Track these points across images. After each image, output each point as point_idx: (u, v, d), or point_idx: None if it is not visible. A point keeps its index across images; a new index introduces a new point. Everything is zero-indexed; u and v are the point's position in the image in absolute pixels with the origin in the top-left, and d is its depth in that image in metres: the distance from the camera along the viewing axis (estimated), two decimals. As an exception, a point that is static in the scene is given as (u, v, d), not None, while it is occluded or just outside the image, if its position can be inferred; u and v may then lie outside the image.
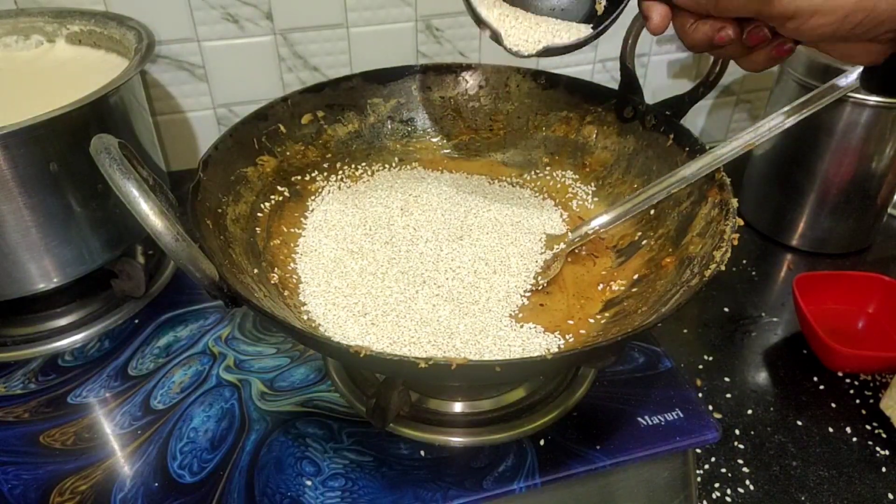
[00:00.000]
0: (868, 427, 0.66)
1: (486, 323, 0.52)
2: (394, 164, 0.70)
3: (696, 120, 1.08)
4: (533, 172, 0.70)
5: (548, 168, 0.70)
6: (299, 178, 0.65)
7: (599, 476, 0.55)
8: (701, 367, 0.72)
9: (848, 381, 0.70)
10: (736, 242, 0.48)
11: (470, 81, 0.72)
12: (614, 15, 0.49)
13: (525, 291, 0.56)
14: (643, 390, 0.59)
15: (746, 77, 1.05)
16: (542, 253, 0.59)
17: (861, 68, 0.45)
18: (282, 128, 0.65)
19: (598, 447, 0.54)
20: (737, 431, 0.65)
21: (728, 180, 0.53)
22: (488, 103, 0.72)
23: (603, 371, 0.61)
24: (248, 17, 0.81)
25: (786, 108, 0.55)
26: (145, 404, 0.58)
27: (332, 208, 0.64)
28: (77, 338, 0.65)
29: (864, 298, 0.77)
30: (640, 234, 0.60)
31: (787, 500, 0.60)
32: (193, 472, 0.52)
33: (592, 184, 0.67)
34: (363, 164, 0.70)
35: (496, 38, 0.50)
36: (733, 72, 1.04)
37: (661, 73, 1.01)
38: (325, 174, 0.67)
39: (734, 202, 0.51)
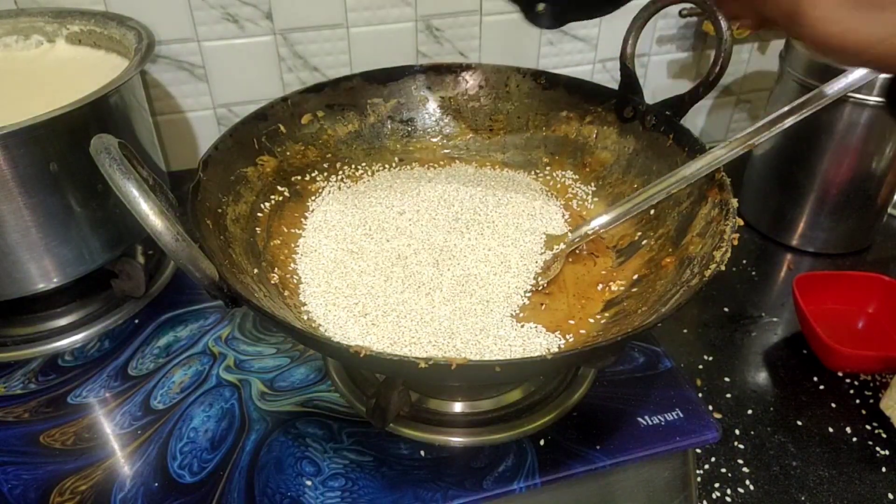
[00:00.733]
0: (868, 427, 0.66)
1: (486, 323, 0.52)
2: (394, 165, 0.70)
3: (696, 120, 1.08)
4: (533, 172, 0.70)
5: (548, 168, 0.70)
6: (299, 178, 0.65)
7: (599, 476, 0.55)
8: (701, 367, 0.72)
9: (848, 381, 0.70)
10: (736, 242, 0.48)
11: (470, 81, 0.72)
12: None
13: (525, 291, 0.56)
14: (643, 390, 0.59)
15: (746, 77, 1.05)
16: (541, 253, 0.59)
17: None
18: (282, 128, 0.65)
19: (598, 447, 0.54)
20: (737, 431, 0.65)
21: (728, 180, 0.53)
22: (488, 103, 0.72)
23: (603, 371, 0.61)
24: (248, 17, 0.81)
25: (785, 109, 0.55)
26: (145, 404, 0.58)
27: (332, 209, 0.64)
28: (77, 338, 0.65)
29: (864, 298, 0.77)
30: (640, 234, 0.60)
31: (787, 500, 0.60)
32: (193, 472, 0.52)
33: (592, 184, 0.67)
34: (363, 164, 0.70)
35: None
36: (733, 72, 1.04)
37: (661, 73, 1.01)
38: (325, 174, 0.67)
39: (734, 202, 0.51)
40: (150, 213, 0.40)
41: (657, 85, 1.02)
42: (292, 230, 0.61)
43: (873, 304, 0.76)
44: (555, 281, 0.58)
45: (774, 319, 0.78)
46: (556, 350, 0.50)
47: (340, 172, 0.68)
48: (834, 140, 0.80)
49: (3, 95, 0.65)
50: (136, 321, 0.67)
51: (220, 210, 0.55)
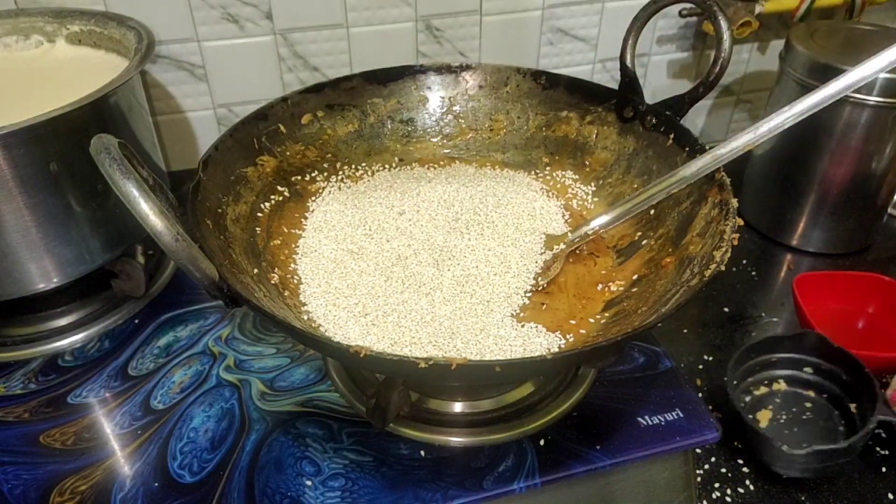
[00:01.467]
0: (868, 427, 0.66)
1: (487, 323, 0.52)
2: (394, 165, 0.70)
3: (696, 120, 1.08)
4: (533, 172, 0.70)
5: (548, 168, 0.70)
6: (299, 178, 0.65)
7: (599, 476, 0.55)
8: (701, 367, 0.72)
9: (848, 381, 0.70)
10: (736, 242, 0.48)
11: (470, 81, 0.72)
12: None
13: (526, 292, 0.56)
14: (643, 390, 0.59)
15: (746, 77, 1.05)
16: (541, 253, 0.59)
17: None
18: (282, 128, 0.65)
19: (598, 447, 0.54)
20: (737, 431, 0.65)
21: (728, 180, 0.53)
22: (488, 103, 0.72)
23: (603, 371, 0.61)
24: (248, 17, 0.81)
25: (785, 108, 0.55)
26: (145, 404, 0.58)
27: (332, 209, 0.64)
28: (77, 338, 0.65)
29: (864, 298, 0.77)
30: (640, 234, 0.60)
31: (787, 500, 0.60)
32: (193, 472, 0.52)
33: (592, 184, 0.67)
34: (363, 164, 0.70)
35: None
36: (733, 72, 1.04)
37: (661, 73, 1.01)
38: (325, 174, 0.67)
39: (734, 202, 0.51)
40: (150, 213, 0.40)
41: (657, 85, 1.02)
42: (292, 230, 0.61)
43: (873, 304, 0.76)
44: (555, 281, 0.58)
45: (774, 319, 0.78)
46: (556, 350, 0.50)
47: (340, 172, 0.68)
48: (834, 140, 0.80)
49: (3, 95, 0.65)
50: (136, 321, 0.67)
51: (220, 210, 0.55)
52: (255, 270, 0.54)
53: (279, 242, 0.59)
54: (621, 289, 0.56)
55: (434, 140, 0.72)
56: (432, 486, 0.51)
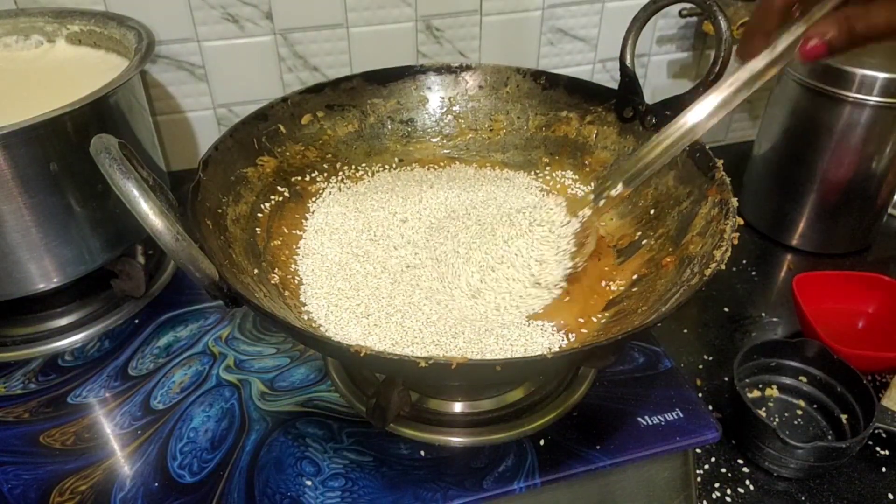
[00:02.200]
0: (868, 427, 0.66)
1: (492, 322, 0.52)
2: (394, 165, 0.70)
3: (696, 120, 1.08)
4: (533, 172, 0.70)
5: (548, 168, 0.70)
6: (299, 178, 0.65)
7: (599, 476, 0.55)
8: (701, 367, 0.72)
9: (848, 381, 0.70)
10: (736, 241, 0.48)
11: (470, 81, 0.72)
12: None
13: (555, 284, 0.55)
14: (643, 390, 0.59)
15: (746, 77, 1.05)
16: (564, 224, 0.56)
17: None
18: (282, 128, 0.65)
19: (598, 447, 0.54)
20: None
21: (728, 180, 0.53)
22: (488, 103, 0.72)
23: (603, 371, 0.61)
24: (248, 17, 0.81)
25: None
26: (145, 404, 0.58)
27: (333, 210, 0.64)
28: (77, 338, 0.65)
29: (864, 298, 0.76)
30: (639, 233, 0.60)
31: (787, 500, 0.60)
32: (193, 472, 0.52)
33: (592, 184, 0.67)
34: (363, 164, 0.70)
35: None
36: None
37: (661, 73, 1.01)
38: (325, 175, 0.67)
39: (734, 201, 0.51)
40: (150, 213, 0.40)
41: (657, 85, 1.02)
42: (293, 231, 0.61)
43: (873, 304, 0.76)
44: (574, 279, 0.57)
45: (774, 319, 0.78)
46: (557, 350, 0.50)
47: (340, 173, 0.68)
48: (834, 140, 0.80)
49: (3, 95, 0.65)
50: (136, 321, 0.67)
51: (220, 210, 0.55)
52: (256, 271, 0.54)
53: (279, 243, 0.59)
54: (621, 288, 0.56)
55: (434, 140, 0.72)
56: (432, 486, 0.51)
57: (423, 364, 0.39)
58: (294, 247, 0.60)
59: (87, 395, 0.59)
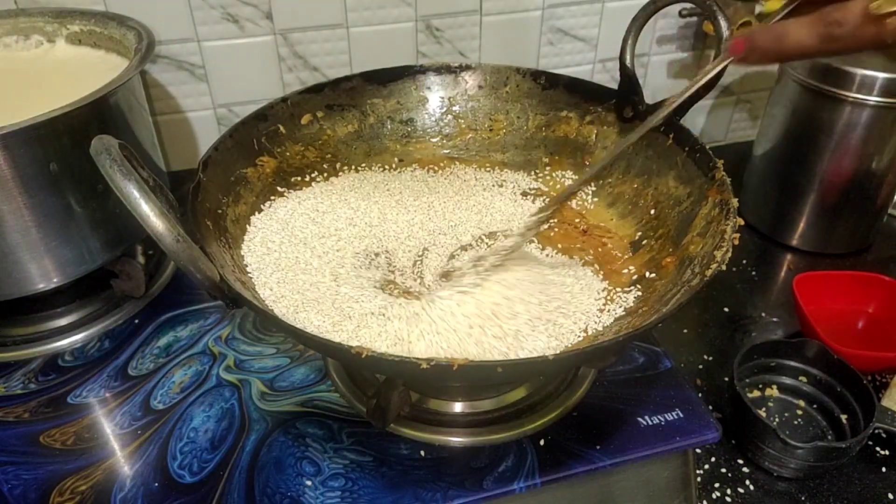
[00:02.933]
0: (868, 427, 0.66)
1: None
2: (393, 165, 0.70)
3: (696, 120, 1.08)
4: (533, 172, 0.70)
5: (548, 168, 0.70)
6: (299, 178, 0.65)
7: (599, 476, 0.55)
8: (701, 367, 0.72)
9: (848, 381, 0.70)
10: (737, 242, 0.48)
11: (470, 81, 0.72)
12: None
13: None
14: (643, 390, 0.59)
15: (746, 77, 1.05)
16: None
17: None
18: (281, 128, 0.65)
19: (598, 447, 0.54)
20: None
21: (728, 180, 0.53)
22: (488, 103, 0.72)
23: (603, 371, 0.61)
24: (248, 17, 0.81)
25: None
26: (145, 404, 0.58)
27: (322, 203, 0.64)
28: (77, 338, 0.65)
29: (864, 298, 0.77)
30: (640, 234, 0.60)
31: (787, 500, 0.60)
32: (193, 472, 0.52)
33: (592, 184, 0.67)
34: (363, 164, 0.69)
35: None
36: (733, 72, 1.04)
37: (661, 73, 1.01)
38: (325, 175, 0.67)
39: (734, 202, 0.51)
40: (151, 214, 0.40)
41: (657, 85, 1.02)
42: (292, 230, 0.61)
43: (873, 304, 0.76)
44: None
45: (774, 319, 0.79)
46: (557, 351, 0.50)
47: (340, 173, 0.68)
48: (834, 140, 0.80)
49: (3, 95, 0.65)
50: (136, 321, 0.67)
51: (220, 211, 0.55)
52: (256, 270, 0.54)
53: (279, 242, 0.59)
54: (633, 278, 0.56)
55: (434, 140, 0.72)
56: (432, 486, 0.51)
57: (424, 365, 0.39)
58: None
59: (87, 395, 0.59)
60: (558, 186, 0.68)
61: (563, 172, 0.69)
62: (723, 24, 0.56)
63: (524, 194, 0.67)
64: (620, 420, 0.56)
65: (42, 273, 0.60)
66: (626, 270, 0.57)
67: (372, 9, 0.84)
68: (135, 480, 0.52)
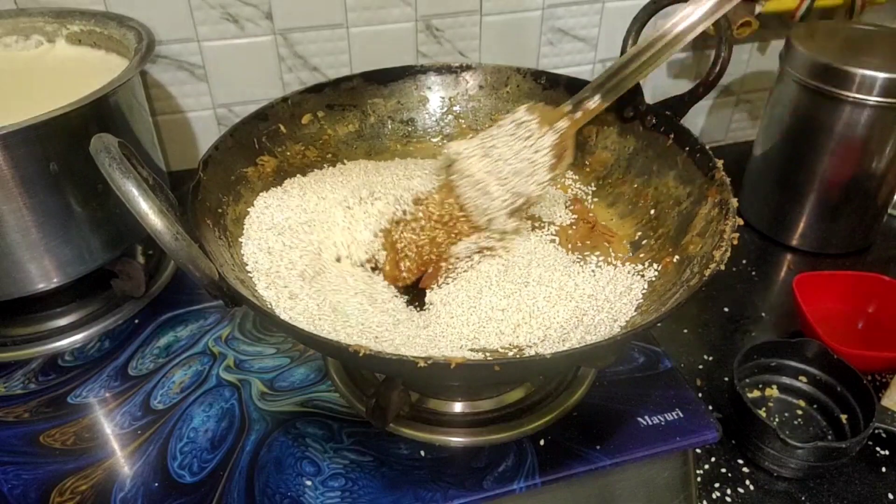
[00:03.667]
0: (868, 427, 0.66)
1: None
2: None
3: (696, 120, 1.08)
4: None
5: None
6: (300, 178, 0.65)
7: (599, 476, 0.55)
8: (701, 367, 0.72)
9: (848, 381, 0.70)
10: (736, 242, 0.48)
11: (470, 81, 0.72)
12: None
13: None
14: (643, 390, 0.59)
15: (746, 77, 1.05)
16: (542, 136, 0.56)
17: None
18: (282, 128, 0.65)
19: (598, 447, 0.54)
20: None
21: (728, 180, 0.53)
22: (488, 103, 0.72)
23: (603, 371, 0.61)
24: (248, 17, 0.81)
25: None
26: (145, 404, 0.58)
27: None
28: (77, 338, 0.65)
29: (864, 298, 0.76)
30: (639, 233, 0.60)
31: (787, 500, 0.60)
32: (193, 472, 0.52)
33: (593, 184, 0.67)
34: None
35: None
36: (733, 72, 1.04)
37: (660, 73, 1.01)
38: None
39: (734, 202, 0.51)
40: (149, 212, 0.40)
41: (657, 85, 1.01)
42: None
43: (873, 304, 0.76)
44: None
45: (774, 319, 0.78)
46: (556, 350, 0.50)
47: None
48: (834, 140, 0.80)
49: (3, 95, 0.65)
50: (136, 321, 0.67)
51: (220, 210, 0.55)
52: (255, 270, 0.54)
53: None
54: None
55: (434, 140, 0.72)
56: (432, 486, 0.51)
57: (421, 364, 0.39)
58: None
59: (87, 395, 0.59)
60: (558, 186, 0.68)
61: (563, 172, 0.69)
62: (722, 24, 0.56)
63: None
64: (620, 420, 0.56)
65: (42, 273, 0.60)
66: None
67: (372, 9, 0.84)
68: (135, 480, 0.52)
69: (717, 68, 0.58)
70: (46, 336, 0.65)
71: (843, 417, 0.64)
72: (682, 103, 0.61)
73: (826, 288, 0.76)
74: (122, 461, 0.53)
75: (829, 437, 0.64)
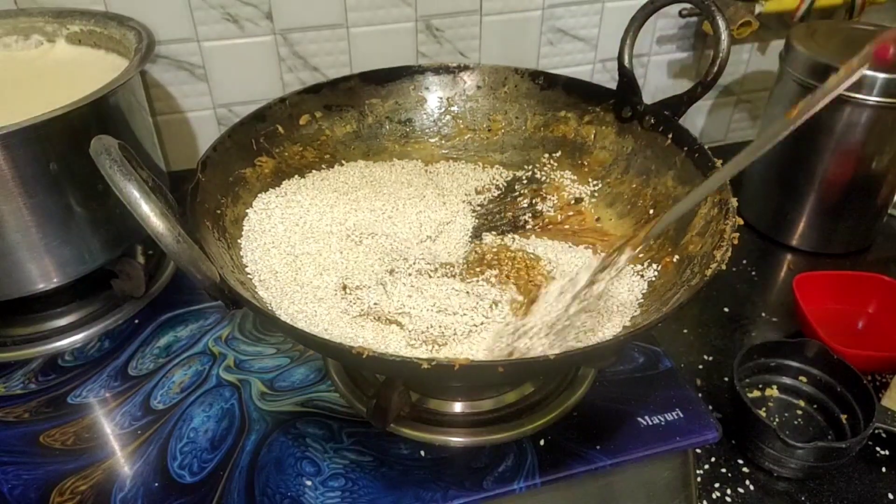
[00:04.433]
0: (868, 427, 0.66)
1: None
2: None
3: (696, 120, 1.08)
4: (531, 173, 0.70)
5: (546, 168, 0.70)
6: (298, 179, 0.65)
7: (599, 476, 0.55)
8: (701, 367, 0.72)
9: (848, 380, 0.70)
10: (736, 242, 0.48)
11: (468, 82, 0.72)
12: None
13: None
14: (643, 390, 0.59)
15: (746, 77, 1.05)
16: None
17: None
18: (280, 129, 0.65)
19: (598, 447, 0.54)
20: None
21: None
22: (486, 103, 0.72)
23: (603, 371, 0.61)
24: (248, 17, 0.81)
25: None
26: (145, 404, 0.58)
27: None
28: (77, 338, 0.65)
29: (864, 298, 0.77)
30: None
31: (787, 500, 0.60)
32: (193, 472, 0.52)
33: (591, 183, 0.67)
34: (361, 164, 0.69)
35: None
36: (733, 72, 1.04)
37: (660, 73, 1.01)
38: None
39: (734, 201, 0.51)
40: (151, 214, 0.40)
41: (657, 85, 1.02)
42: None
43: (873, 304, 0.76)
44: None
45: (774, 319, 0.78)
46: (558, 351, 0.50)
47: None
48: (834, 140, 0.80)
49: (3, 95, 0.65)
50: (136, 321, 0.67)
51: (218, 211, 0.55)
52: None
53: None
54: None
55: (432, 140, 0.72)
56: (432, 486, 0.51)
57: (425, 366, 0.39)
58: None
59: (87, 395, 0.59)
60: (557, 186, 0.68)
61: (562, 172, 0.69)
62: (721, 24, 0.56)
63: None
64: (620, 420, 0.56)
65: (42, 273, 0.60)
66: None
67: (372, 9, 0.84)
68: (135, 480, 0.52)
69: (716, 68, 0.58)
70: (46, 336, 0.65)
71: (843, 417, 0.64)
72: (680, 103, 0.61)
73: (826, 288, 0.76)
74: (122, 461, 0.53)
75: (829, 437, 0.64)
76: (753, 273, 0.85)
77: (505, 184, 0.69)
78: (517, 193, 0.67)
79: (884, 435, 0.64)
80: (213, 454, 0.54)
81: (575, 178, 0.68)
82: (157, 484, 0.51)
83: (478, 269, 0.57)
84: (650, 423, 0.56)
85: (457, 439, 0.54)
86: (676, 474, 0.57)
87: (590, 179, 0.67)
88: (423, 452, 0.54)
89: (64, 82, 0.67)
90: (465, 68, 0.71)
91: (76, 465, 0.53)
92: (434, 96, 0.72)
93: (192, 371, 0.61)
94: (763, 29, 0.95)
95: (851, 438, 0.61)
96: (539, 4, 0.89)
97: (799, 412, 0.67)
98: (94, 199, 0.60)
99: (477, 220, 0.62)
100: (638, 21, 0.63)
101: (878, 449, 0.64)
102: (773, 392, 0.68)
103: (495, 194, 0.67)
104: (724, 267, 0.47)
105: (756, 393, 0.68)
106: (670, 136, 0.60)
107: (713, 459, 0.63)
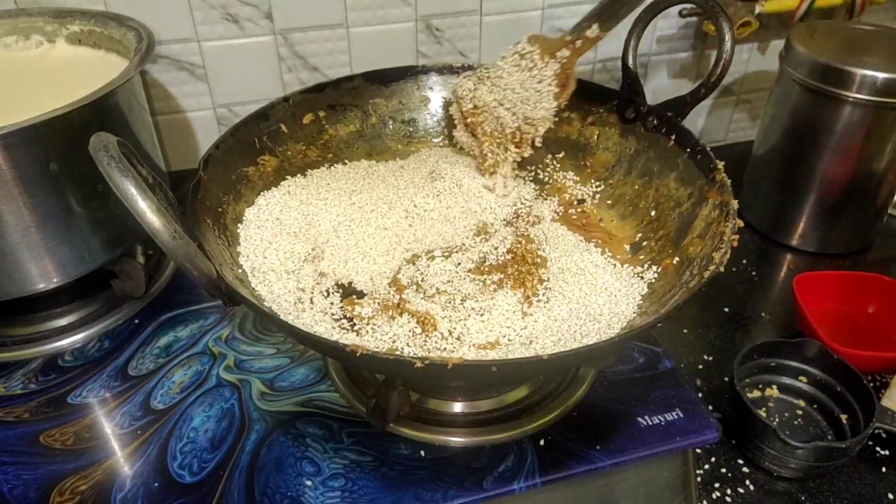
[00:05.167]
0: (868, 427, 0.66)
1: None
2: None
3: (696, 120, 1.08)
4: (534, 174, 0.70)
5: (549, 169, 0.70)
6: (300, 178, 0.65)
7: (599, 476, 0.55)
8: (701, 367, 0.72)
9: (848, 381, 0.70)
10: (736, 244, 0.48)
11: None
12: None
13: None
14: (643, 390, 0.59)
15: (746, 77, 1.05)
16: (544, 66, 0.58)
17: None
18: (283, 127, 0.65)
19: (598, 447, 0.54)
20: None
21: (728, 181, 0.53)
22: (488, 103, 0.72)
23: (603, 371, 0.61)
24: (248, 17, 0.81)
25: None
26: (145, 404, 0.58)
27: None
28: (77, 338, 0.65)
29: (864, 298, 0.76)
30: (640, 235, 0.60)
31: (787, 500, 0.60)
32: (193, 472, 0.52)
33: (594, 184, 0.67)
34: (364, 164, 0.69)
35: None
36: (733, 72, 1.04)
37: (661, 73, 1.01)
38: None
39: (734, 203, 0.51)
40: (147, 210, 0.40)
41: (658, 85, 1.01)
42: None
43: (873, 304, 0.76)
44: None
45: (774, 319, 0.78)
46: (554, 350, 0.50)
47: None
48: (834, 140, 0.80)
49: (3, 95, 0.65)
50: (136, 321, 0.67)
51: (220, 209, 0.55)
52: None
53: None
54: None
55: (436, 140, 0.72)
56: (432, 486, 0.51)
57: (419, 364, 0.39)
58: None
59: (87, 395, 0.59)
60: (559, 186, 0.68)
61: (565, 173, 0.69)
62: (724, 24, 0.56)
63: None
64: (620, 420, 0.56)
65: (42, 273, 0.60)
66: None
67: (372, 9, 0.84)
68: (135, 480, 0.52)
69: (720, 69, 0.58)
70: (46, 336, 0.65)
71: (843, 417, 0.64)
72: (683, 104, 0.61)
73: (826, 288, 0.76)
74: (122, 461, 0.53)
75: (829, 437, 0.64)
76: (753, 273, 0.85)
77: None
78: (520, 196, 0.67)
79: (884, 435, 0.64)
80: (213, 454, 0.54)
81: (577, 178, 0.68)
82: (157, 484, 0.51)
83: (483, 268, 0.57)
84: (650, 423, 0.56)
85: (457, 439, 0.54)
86: (676, 474, 0.57)
87: (592, 180, 0.67)
88: (423, 452, 0.54)
89: (64, 82, 0.67)
90: (469, 68, 0.71)
91: (76, 465, 0.53)
92: (438, 96, 0.72)
93: (192, 371, 0.61)
94: (763, 29, 0.95)
95: (851, 438, 0.61)
96: (539, 4, 0.89)
97: (799, 412, 0.67)
98: (94, 199, 0.60)
99: (479, 220, 0.62)
100: (642, 22, 0.63)
101: (878, 449, 0.64)
102: (773, 392, 0.68)
103: (498, 195, 0.67)
104: (722, 269, 0.47)
105: (756, 393, 0.68)
106: (673, 137, 0.60)
107: (713, 459, 0.63)
